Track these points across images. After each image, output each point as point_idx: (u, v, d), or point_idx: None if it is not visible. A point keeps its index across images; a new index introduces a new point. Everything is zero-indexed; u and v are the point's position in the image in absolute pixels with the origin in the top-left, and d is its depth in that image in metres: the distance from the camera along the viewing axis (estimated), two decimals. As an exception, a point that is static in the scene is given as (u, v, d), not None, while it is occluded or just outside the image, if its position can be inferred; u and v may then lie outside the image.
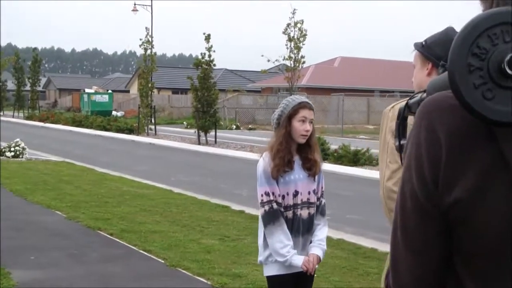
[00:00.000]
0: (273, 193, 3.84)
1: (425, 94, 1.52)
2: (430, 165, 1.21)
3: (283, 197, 3.88)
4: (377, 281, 6.70)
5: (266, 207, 3.83)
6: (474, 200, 1.17)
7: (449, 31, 2.96)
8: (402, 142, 1.74)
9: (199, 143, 26.80)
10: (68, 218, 9.68)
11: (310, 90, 42.82)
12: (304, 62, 22.52)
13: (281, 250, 3.81)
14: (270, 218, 3.82)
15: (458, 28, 1.24)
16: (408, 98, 1.71)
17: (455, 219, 1.21)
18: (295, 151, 3.94)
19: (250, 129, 39.55)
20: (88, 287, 6.34)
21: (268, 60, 23.19)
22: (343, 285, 6.45)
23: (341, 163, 18.81)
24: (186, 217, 10.14)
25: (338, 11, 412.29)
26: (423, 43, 2.98)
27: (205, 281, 6.62)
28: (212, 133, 27.42)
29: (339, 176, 16.36)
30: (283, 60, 22.54)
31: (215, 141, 27.09)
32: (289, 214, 3.89)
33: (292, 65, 22.27)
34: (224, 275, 6.77)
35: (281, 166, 3.85)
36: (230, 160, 21.14)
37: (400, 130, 1.75)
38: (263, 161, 3.90)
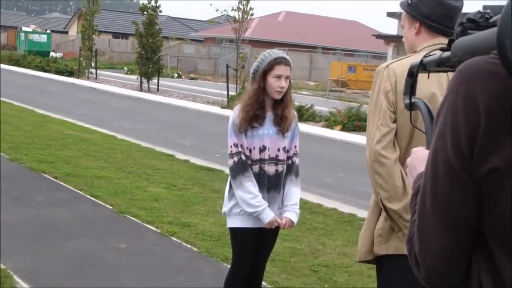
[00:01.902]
0: (241, 145, 3.84)
1: (445, 53, 1.49)
2: (467, 133, 1.19)
3: (250, 150, 3.88)
4: (324, 236, 6.85)
5: (235, 158, 3.83)
6: (510, 170, 1.16)
7: None
8: (412, 100, 1.74)
9: (141, 90, 26.46)
10: (10, 160, 9.47)
11: (254, 42, 42.53)
12: (252, 14, 22.30)
13: (251, 200, 3.81)
14: (240, 169, 3.82)
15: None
16: (423, 56, 1.67)
17: (489, 188, 1.20)
18: (270, 107, 3.92)
19: (192, 78, 39.22)
20: (36, 231, 6.25)
21: (217, 10, 22.89)
22: (291, 239, 6.55)
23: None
24: (131, 164, 10.07)
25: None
26: (409, 1, 2.89)
27: (154, 229, 6.62)
28: (155, 80, 27.09)
29: (282, 130, 16.43)
30: (232, 11, 22.27)
31: (158, 89, 26.79)
32: (256, 168, 3.89)
33: (240, 16, 22.04)
34: (173, 224, 6.79)
35: (246, 120, 3.84)
36: (173, 108, 20.98)
37: (411, 88, 1.73)
38: (233, 114, 3.89)
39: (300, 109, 18.93)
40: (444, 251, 1.28)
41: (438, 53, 1.57)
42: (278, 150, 3.93)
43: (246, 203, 3.83)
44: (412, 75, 1.74)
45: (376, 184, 2.77)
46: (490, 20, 1.39)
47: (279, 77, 3.80)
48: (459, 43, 1.38)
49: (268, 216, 3.86)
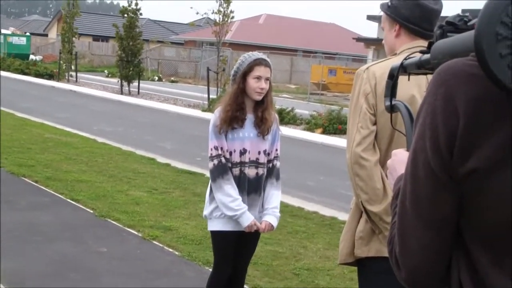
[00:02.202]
0: (221, 148, 3.84)
1: (425, 56, 1.50)
2: (446, 134, 1.20)
3: (230, 153, 3.88)
4: (305, 239, 6.87)
5: (215, 161, 3.83)
6: (490, 171, 1.18)
7: None
8: (393, 102, 1.74)
9: (122, 93, 26.37)
10: (-10, 163, 9.40)
11: (235, 46, 42.56)
12: (233, 17, 22.32)
13: (230, 203, 3.81)
14: (219, 171, 3.82)
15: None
16: (403, 58, 1.69)
17: (469, 189, 1.21)
18: (251, 109, 3.92)
19: (173, 81, 39.15)
20: (17, 235, 6.21)
21: (197, 13, 22.93)
22: (273, 242, 6.57)
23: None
24: (112, 167, 10.04)
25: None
26: (389, 4, 2.90)
27: (135, 233, 6.61)
28: (135, 83, 27.00)
29: (263, 133, 16.45)
30: (212, 13, 22.28)
31: (138, 92, 26.72)
32: (236, 171, 3.89)
33: (221, 20, 22.04)
34: (155, 227, 6.78)
35: (226, 122, 3.84)
36: (154, 112, 20.91)
37: (392, 90, 1.74)
38: (214, 116, 3.90)
39: (281, 112, 18.97)
40: (425, 252, 1.29)
41: (418, 56, 1.58)
42: (259, 153, 3.94)
43: (225, 206, 3.83)
44: (392, 77, 1.75)
45: (357, 186, 2.79)
46: (469, 23, 1.41)
47: (259, 78, 3.81)
48: (439, 46, 1.39)
49: (247, 220, 3.86)
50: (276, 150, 4.05)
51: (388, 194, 2.74)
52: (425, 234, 1.28)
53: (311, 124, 18.15)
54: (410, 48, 2.82)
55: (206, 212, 4.00)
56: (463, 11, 1.32)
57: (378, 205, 2.75)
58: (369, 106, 2.78)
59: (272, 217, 4.00)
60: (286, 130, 17.52)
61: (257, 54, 3.93)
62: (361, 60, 41.62)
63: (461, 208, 1.25)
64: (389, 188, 2.74)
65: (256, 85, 3.81)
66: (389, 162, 1.61)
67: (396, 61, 2.80)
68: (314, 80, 34.39)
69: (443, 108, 1.22)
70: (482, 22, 1.14)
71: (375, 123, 2.79)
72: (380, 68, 2.80)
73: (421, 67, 1.55)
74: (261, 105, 3.91)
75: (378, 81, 2.76)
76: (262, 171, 3.97)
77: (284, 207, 8.33)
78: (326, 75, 34.96)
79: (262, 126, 3.91)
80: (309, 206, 8.53)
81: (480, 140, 1.18)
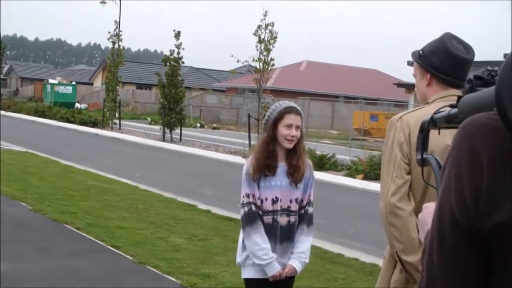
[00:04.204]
0: (253, 196, 3.85)
1: (453, 110, 1.51)
2: (471, 188, 1.20)
3: (262, 201, 3.88)
4: (345, 286, 6.78)
5: (246, 208, 3.85)
6: None
7: (445, 38, 2.85)
8: (424, 156, 1.75)
9: (164, 140, 26.67)
10: (34, 210, 9.56)
11: (276, 92, 42.89)
12: (273, 65, 22.57)
13: (258, 252, 3.81)
14: (249, 220, 3.83)
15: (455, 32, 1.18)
16: (433, 112, 1.70)
17: (495, 243, 1.20)
18: (283, 158, 3.93)
19: (214, 128, 39.48)
20: (57, 281, 6.27)
21: (238, 61, 23.18)
22: (312, 290, 6.50)
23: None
24: (153, 214, 10.10)
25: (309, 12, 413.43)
26: (420, 52, 2.90)
27: (174, 280, 6.61)
28: (177, 130, 27.30)
29: (304, 180, 16.40)
30: (252, 61, 22.56)
31: (180, 139, 26.99)
32: (268, 219, 3.89)
33: (261, 67, 22.28)
34: (194, 274, 6.77)
35: (258, 169, 3.85)
36: (195, 158, 21.08)
37: (423, 144, 1.75)
38: (247, 163, 3.92)
39: (322, 158, 18.95)
40: None
41: (447, 110, 1.59)
42: (291, 201, 3.93)
43: (253, 255, 3.85)
44: (423, 131, 1.76)
45: (392, 236, 2.76)
46: (496, 77, 1.42)
47: (289, 126, 3.82)
48: (466, 100, 1.41)
49: (273, 270, 3.84)
50: (309, 196, 4.03)
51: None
52: (451, 286, 1.27)
53: (352, 170, 18.05)
54: (443, 97, 2.81)
55: (239, 259, 4.00)
56: (505, 55, 1.33)
57: (414, 255, 2.71)
58: (404, 155, 2.77)
59: (296, 261, 3.96)
60: (327, 176, 17.47)
61: (288, 103, 3.95)
62: (403, 105, 41.40)
63: (489, 262, 1.23)
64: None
65: (286, 133, 3.82)
66: (420, 215, 1.62)
67: (428, 110, 2.81)
68: (355, 126, 34.34)
69: (467, 162, 1.22)
70: (503, 76, 1.15)
71: (409, 173, 2.77)
72: (413, 117, 2.80)
73: (450, 122, 1.57)
74: (294, 154, 3.91)
75: (412, 130, 2.75)
76: (294, 218, 3.96)
77: (323, 253, 8.29)
78: (367, 121, 34.87)
79: (295, 175, 3.90)
80: (349, 253, 8.43)
81: (506, 194, 1.17)
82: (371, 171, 17.40)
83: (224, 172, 17.71)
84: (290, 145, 3.87)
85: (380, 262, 7.94)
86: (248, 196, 3.85)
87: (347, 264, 7.81)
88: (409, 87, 35.14)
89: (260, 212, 3.87)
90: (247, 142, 22.73)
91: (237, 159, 21.06)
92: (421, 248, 2.68)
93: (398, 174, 2.75)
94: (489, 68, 1.47)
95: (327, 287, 6.70)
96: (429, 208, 1.58)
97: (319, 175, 17.67)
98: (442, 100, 2.81)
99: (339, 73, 56.82)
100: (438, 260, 1.28)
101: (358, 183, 16.59)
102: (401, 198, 2.74)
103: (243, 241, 3.97)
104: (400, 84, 36.54)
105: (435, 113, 1.68)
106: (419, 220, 1.61)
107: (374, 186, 15.91)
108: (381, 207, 2.79)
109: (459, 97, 1.48)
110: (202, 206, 11.28)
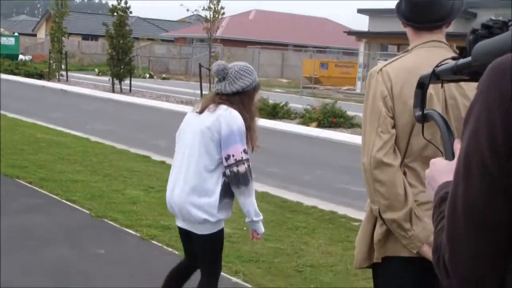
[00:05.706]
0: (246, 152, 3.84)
1: (461, 61, 1.44)
2: (505, 133, 1.12)
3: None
4: (306, 235, 6.76)
5: (246, 164, 3.76)
6: None
7: None
8: (425, 112, 1.68)
9: (114, 91, 26.19)
10: (-18, 166, 9.25)
11: (225, 41, 42.39)
12: (223, 14, 22.19)
13: (257, 208, 3.86)
14: (250, 176, 3.79)
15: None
16: (435, 66, 1.61)
17: None
18: None
19: (164, 78, 38.98)
20: (10, 239, 6.07)
21: (188, 10, 22.72)
22: (274, 239, 6.45)
23: (260, 116, 18.77)
24: (107, 166, 9.91)
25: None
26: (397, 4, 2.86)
27: (134, 232, 6.49)
28: (127, 81, 26.84)
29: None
30: (203, 10, 22.11)
31: (130, 90, 26.55)
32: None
33: (212, 16, 21.89)
34: (153, 227, 6.66)
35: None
36: (146, 109, 20.77)
37: (422, 99, 1.68)
38: (240, 120, 3.79)
39: (275, 107, 18.89)
40: (477, 259, 1.19)
41: (451, 62, 1.51)
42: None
43: (255, 211, 3.84)
44: (422, 86, 1.69)
45: (376, 192, 2.67)
46: (510, 24, 1.36)
47: None
48: (481, 47, 1.33)
49: (262, 227, 3.96)
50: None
51: (408, 201, 2.64)
52: (478, 240, 1.18)
53: (305, 118, 18.02)
54: (419, 45, 2.78)
55: (213, 219, 3.80)
56: (496, 15, 1.29)
57: (398, 211, 2.63)
58: (388, 109, 2.68)
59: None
60: (281, 125, 17.44)
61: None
62: (352, 53, 41.55)
63: None
64: (410, 194, 2.65)
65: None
66: (427, 172, 1.53)
67: (408, 59, 2.73)
68: (306, 74, 34.28)
69: (499, 104, 1.13)
70: None
71: (394, 126, 2.69)
72: (394, 69, 2.72)
73: (457, 73, 1.48)
74: None
75: (394, 83, 2.68)
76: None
77: (282, 202, 8.27)
78: (318, 69, 34.88)
79: None
80: (308, 201, 8.41)
81: None
82: (325, 119, 17.40)
83: (177, 122, 17.14)
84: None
85: (338, 209, 7.98)
86: (246, 152, 3.78)
87: (306, 212, 7.79)
88: (359, 35, 35.21)
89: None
90: (199, 92, 22.46)
91: (189, 109, 20.74)
92: (405, 205, 2.62)
93: (384, 129, 2.66)
94: (493, 18, 1.42)
95: (290, 235, 6.67)
96: (437, 164, 1.50)
97: (273, 123, 17.66)
98: (419, 48, 2.77)
99: (289, 21, 56.46)
100: (464, 213, 1.19)
101: (312, 131, 16.59)
102: (388, 153, 2.65)
103: (220, 200, 3.78)
104: (350, 32, 36.52)
105: (436, 66, 1.60)
106: (426, 177, 1.52)
107: (328, 133, 15.97)
108: (364, 162, 2.69)
109: (462, 49, 1.43)
110: (156, 157, 11.11)
